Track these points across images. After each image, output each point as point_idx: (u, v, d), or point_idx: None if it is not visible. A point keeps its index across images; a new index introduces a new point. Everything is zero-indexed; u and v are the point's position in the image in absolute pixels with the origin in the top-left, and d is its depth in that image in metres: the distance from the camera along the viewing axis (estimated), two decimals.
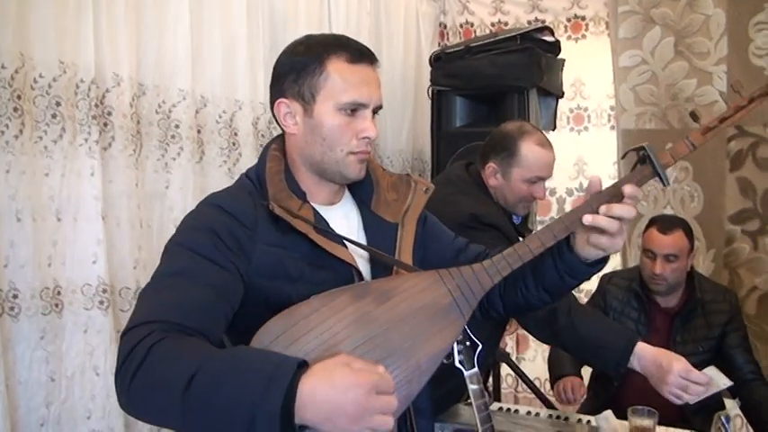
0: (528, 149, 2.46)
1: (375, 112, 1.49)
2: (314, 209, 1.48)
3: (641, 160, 1.47)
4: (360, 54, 1.46)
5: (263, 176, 1.49)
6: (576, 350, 2.43)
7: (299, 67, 1.46)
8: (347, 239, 1.48)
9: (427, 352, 1.32)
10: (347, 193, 1.61)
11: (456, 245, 1.70)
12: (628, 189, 1.40)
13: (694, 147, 1.49)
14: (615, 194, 1.42)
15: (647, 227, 2.83)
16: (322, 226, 1.46)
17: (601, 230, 1.39)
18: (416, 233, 1.60)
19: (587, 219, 1.38)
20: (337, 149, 1.46)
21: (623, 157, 1.53)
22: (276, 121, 1.53)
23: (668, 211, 3.56)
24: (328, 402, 1.07)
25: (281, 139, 1.57)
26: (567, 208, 4.21)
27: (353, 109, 1.45)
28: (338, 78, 1.43)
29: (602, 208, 1.38)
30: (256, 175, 1.51)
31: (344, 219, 1.56)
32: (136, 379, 1.15)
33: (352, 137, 1.46)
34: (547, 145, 2.51)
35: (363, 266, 1.51)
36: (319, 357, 1.16)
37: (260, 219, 1.42)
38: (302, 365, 1.10)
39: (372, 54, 1.49)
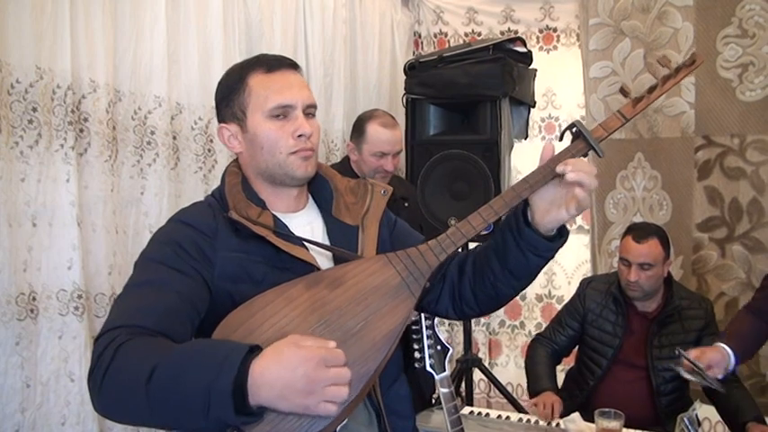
0: (373, 129, 3.05)
1: (311, 112, 1.57)
2: (274, 216, 1.55)
3: (575, 136, 1.54)
4: (275, 62, 1.57)
5: (224, 190, 1.57)
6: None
7: (226, 92, 1.58)
8: (306, 240, 1.54)
9: (381, 330, 1.36)
10: (311, 201, 1.68)
11: None
12: (560, 168, 1.46)
13: (626, 119, 1.56)
14: (551, 173, 1.49)
15: (624, 235, 2.88)
16: (282, 229, 1.52)
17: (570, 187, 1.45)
18: (381, 236, 1.65)
19: (571, 176, 1.44)
20: (277, 153, 1.53)
21: (560, 139, 1.58)
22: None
23: (637, 219, 3.63)
24: (279, 380, 1.13)
25: (237, 161, 1.66)
26: None
27: (282, 113, 1.53)
28: (259, 89, 1.54)
29: (568, 168, 1.44)
30: (219, 192, 1.60)
31: (308, 225, 1.61)
32: (105, 380, 1.21)
33: (288, 137, 1.53)
34: (390, 126, 3.08)
35: (327, 266, 1.55)
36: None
37: (220, 228, 1.50)
38: (255, 349, 1.17)
39: (291, 60, 1.60)
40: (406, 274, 1.45)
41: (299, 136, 1.53)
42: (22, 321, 2.21)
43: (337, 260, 1.56)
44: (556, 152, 1.53)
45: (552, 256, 1.58)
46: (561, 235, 1.54)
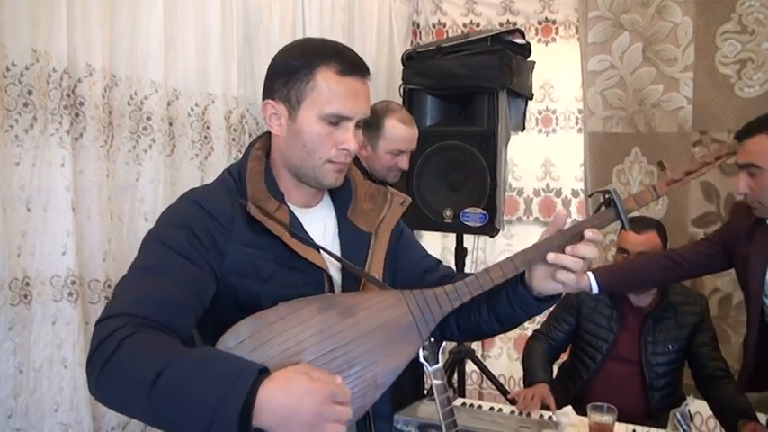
0: (391, 125, 2.84)
1: (360, 125, 1.52)
2: (291, 211, 1.52)
3: (606, 203, 1.54)
4: (351, 66, 1.47)
5: (245, 175, 1.52)
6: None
7: (289, 71, 1.48)
8: (321, 248, 1.51)
9: (384, 368, 1.37)
10: (326, 198, 1.65)
11: (425, 264, 1.74)
12: (588, 234, 1.45)
13: (658, 195, 1.56)
14: (577, 234, 1.47)
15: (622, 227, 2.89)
16: (297, 229, 1.50)
17: (563, 267, 1.45)
18: (390, 245, 1.63)
19: (551, 257, 1.44)
20: (315, 157, 1.49)
21: (590, 196, 1.58)
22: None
23: (633, 214, 3.62)
24: (284, 408, 1.11)
25: (266, 137, 1.61)
26: (535, 208, 4.26)
27: (336, 121, 1.47)
28: (325, 89, 1.45)
29: (568, 248, 1.44)
30: (238, 172, 1.54)
31: (321, 223, 1.59)
32: (105, 370, 1.19)
33: (332, 147, 1.48)
34: (408, 122, 2.89)
35: (335, 272, 1.54)
36: (281, 364, 1.21)
37: (236, 217, 1.46)
38: (263, 371, 1.14)
39: (365, 67, 1.50)
40: (418, 314, 1.44)
41: (342, 149, 1.49)
42: (15, 306, 2.20)
43: (345, 269, 1.55)
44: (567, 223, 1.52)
45: (539, 314, 1.61)
46: (552, 297, 1.55)
